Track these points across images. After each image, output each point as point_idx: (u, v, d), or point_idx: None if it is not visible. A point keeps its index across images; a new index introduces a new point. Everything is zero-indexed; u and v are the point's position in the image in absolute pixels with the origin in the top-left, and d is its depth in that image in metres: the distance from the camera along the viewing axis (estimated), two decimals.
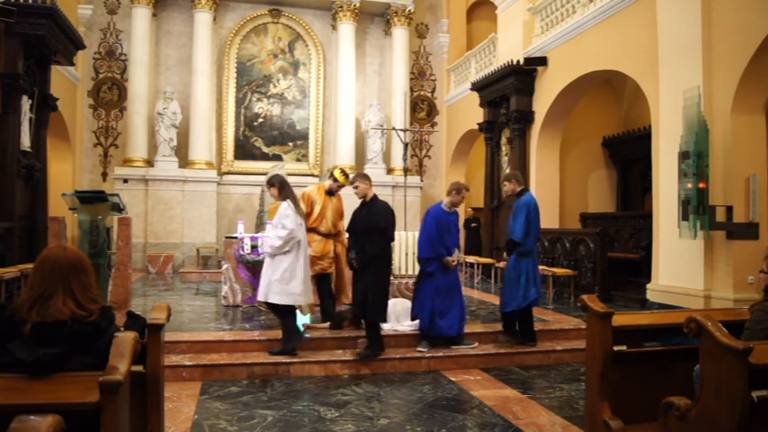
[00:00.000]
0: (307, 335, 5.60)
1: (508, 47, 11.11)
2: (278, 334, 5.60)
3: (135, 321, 2.54)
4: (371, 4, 13.77)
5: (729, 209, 6.24)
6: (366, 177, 5.47)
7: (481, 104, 11.62)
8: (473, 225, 13.77)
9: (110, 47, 13.15)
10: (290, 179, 12.66)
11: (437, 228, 5.51)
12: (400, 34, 13.90)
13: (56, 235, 5.93)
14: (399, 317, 5.85)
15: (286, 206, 5.10)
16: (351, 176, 5.70)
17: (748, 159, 6.29)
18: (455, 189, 5.61)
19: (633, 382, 3.23)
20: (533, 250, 5.65)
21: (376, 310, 5.20)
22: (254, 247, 7.27)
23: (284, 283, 5.03)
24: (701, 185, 6.17)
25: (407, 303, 6.12)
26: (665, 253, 7.06)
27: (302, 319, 6.08)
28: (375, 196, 5.44)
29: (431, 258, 5.50)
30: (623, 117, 11.74)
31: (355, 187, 5.40)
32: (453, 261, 5.51)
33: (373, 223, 5.22)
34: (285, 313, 5.18)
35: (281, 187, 5.17)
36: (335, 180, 5.99)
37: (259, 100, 13.64)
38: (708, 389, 2.45)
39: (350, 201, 5.72)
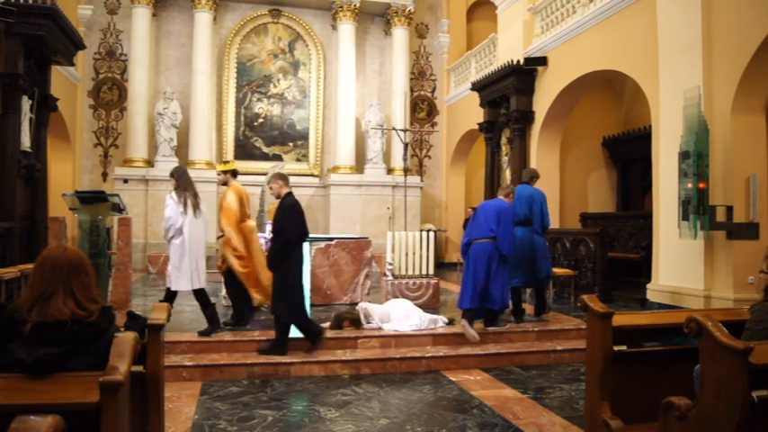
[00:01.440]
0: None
1: (508, 47, 11.11)
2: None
3: (135, 321, 2.54)
4: (371, 4, 13.77)
5: (729, 209, 6.24)
6: (279, 177, 5.50)
7: (481, 104, 11.61)
8: None
9: (110, 47, 13.15)
10: (291, 179, 12.65)
11: None
12: (400, 34, 13.89)
13: (56, 235, 5.93)
14: (399, 317, 5.84)
15: (168, 197, 5.44)
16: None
17: (748, 159, 6.29)
18: (512, 192, 6.24)
19: (633, 382, 3.23)
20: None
21: (277, 310, 5.24)
22: None
23: (176, 270, 5.38)
24: (701, 185, 6.17)
25: (407, 303, 6.11)
26: (665, 253, 7.06)
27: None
28: (286, 195, 5.41)
29: None
30: (623, 117, 11.73)
31: (270, 188, 5.53)
32: None
33: (274, 224, 5.37)
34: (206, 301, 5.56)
35: (177, 178, 5.50)
36: None
37: (259, 100, 13.64)
38: (708, 389, 2.45)
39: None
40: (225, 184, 5.97)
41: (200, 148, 12.69)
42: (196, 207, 5.46)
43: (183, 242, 5.36)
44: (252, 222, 5.99)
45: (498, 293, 5.78)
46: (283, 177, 5.52)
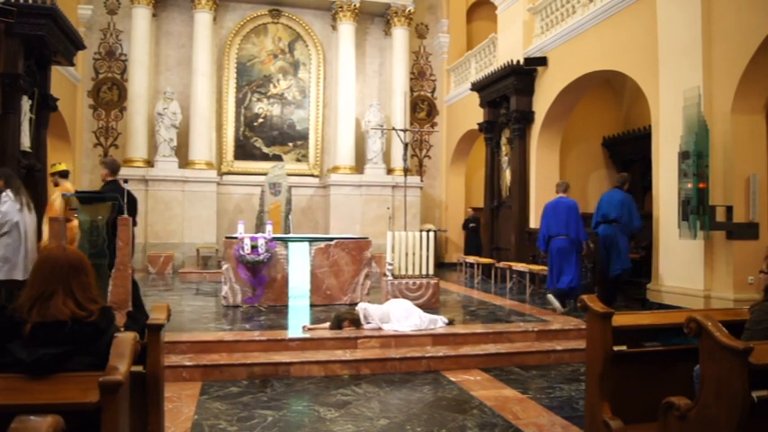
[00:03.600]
0: (306, 334, 5.62)
1: (508, 47, 11.11)
2: (278, 334, 5.63)
3: (135, 321, 2.55)
4: (371, 5, 13.77)
5: (729, 209, 6.24)
6: (107, 166, 5.92)
7: (481, 104, 11.62)
8: (472, 225, 13.78)
9: (110, 47, 13.15)
10: (291, 179, 12.70)
11: None
12: (400, 34, 13.89)
13: (56, 235, 5.92)
14: (399, 318, 5.84)
15: (4, 195, 5.76)
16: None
17: (748, 159, 6.29)
18: (569, 186, 7.48)
19: (633, 382, 3.23)
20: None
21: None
22: (254, 248, 7.27)
23: (6, 261, 5.60)
24: (701, 185, 6.17)
25: (407, 303, 6.11)
26: (666, 253, 7.06)
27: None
28: (108, 182, 5.78)
29: None
30: (623, 117, 11.74)
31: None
32: None
33: None
34: None
35: (5, 180, 5.82)
36: None
37: (259, 100, 13.64)
38: (708, 389, 2.45)
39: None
40: (56, 185, 6.12)
41: (200, 148, 12.69)
42: (29, 205, 5.85)
43: (19, 236, 5.67)
44: (76, 222, 6.03)
45: (576, 279, 7.10)
46: (111, 166, 5.93)
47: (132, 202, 5.80)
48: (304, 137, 13.88)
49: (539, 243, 7.57)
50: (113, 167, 5.96)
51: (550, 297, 7.14)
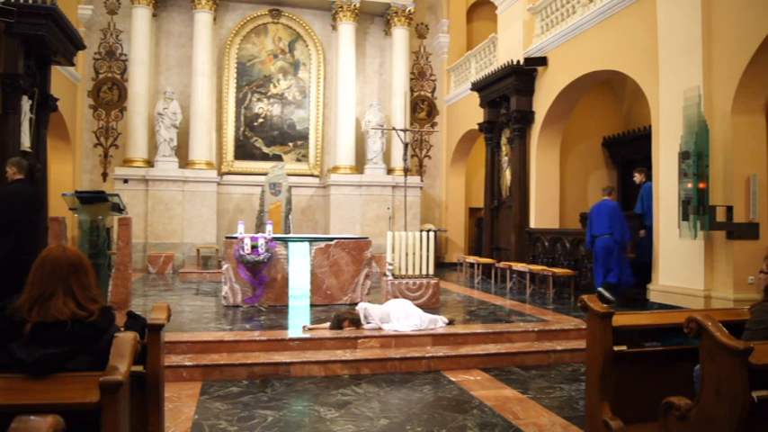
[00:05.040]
0: (306, 334, 5.61)
1: (508, 47, 11.11)
2: (278, 334, 5.63)
3: (135, 321, 2.54)
4: (371, 4, 13.77)
5: (729, 209, 6.24)
6: (14, 164, 5.82)
7: (481, 104, 11.62)
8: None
9: (110, 47, 13.15)
10: (291, 179, 12.72)
11: None
12: (400, 34, 13.89)
13: (56, 235, 5.93)
14: (399, 317, 5.84)
15: None
16: None
17: (748, 159, 6.29)
18: (614, 190, 8.16)
19: (633, 382, 3.23)
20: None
21: None
22: (254, 248, 7.27)
23: None
24: (701, 185, 6.17)
25: (407, 303, 6.11)
26: (666, 253, 7.06)
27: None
28: (14, 181, 5.66)
29: None
30: (623, 117, 11.74)
31: (6, 172, 5.85)
32: None
33: None
34: None
35: None
36: None
37: (259, 100, 13.64)
38: (708, 389, 2.45)
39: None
40: None
41: (200, 148, 12.69)
42: None
43: None
44: None
45: (627, 274, 7.53)
46: (17, 164, 5.82)
47: (18, 193, 5.67)
48: (304, 137, 13.89)
49: (586, 243, 8.11)
50: (20, 166, 5.83)
51: (602, 290, 7.48)
